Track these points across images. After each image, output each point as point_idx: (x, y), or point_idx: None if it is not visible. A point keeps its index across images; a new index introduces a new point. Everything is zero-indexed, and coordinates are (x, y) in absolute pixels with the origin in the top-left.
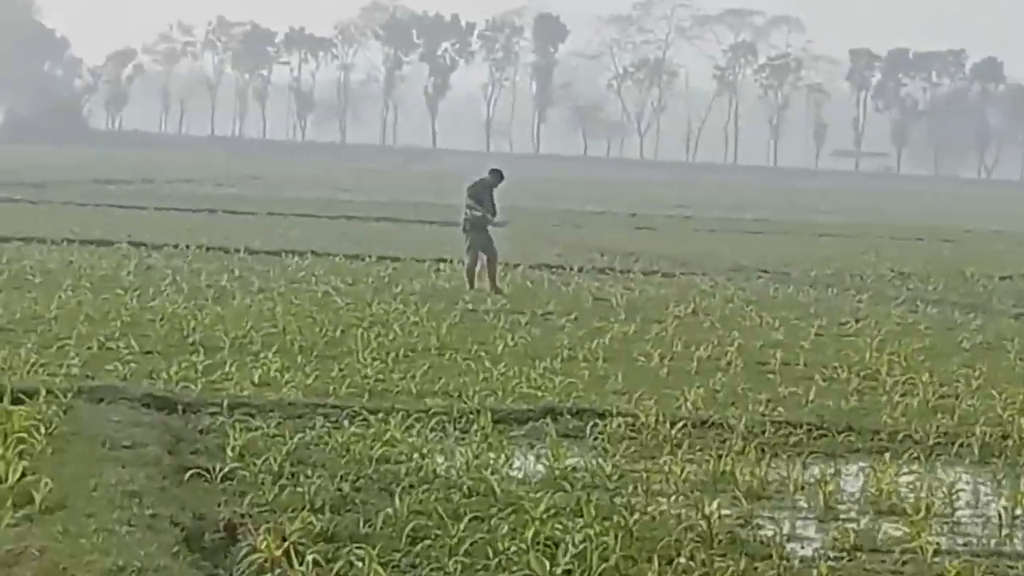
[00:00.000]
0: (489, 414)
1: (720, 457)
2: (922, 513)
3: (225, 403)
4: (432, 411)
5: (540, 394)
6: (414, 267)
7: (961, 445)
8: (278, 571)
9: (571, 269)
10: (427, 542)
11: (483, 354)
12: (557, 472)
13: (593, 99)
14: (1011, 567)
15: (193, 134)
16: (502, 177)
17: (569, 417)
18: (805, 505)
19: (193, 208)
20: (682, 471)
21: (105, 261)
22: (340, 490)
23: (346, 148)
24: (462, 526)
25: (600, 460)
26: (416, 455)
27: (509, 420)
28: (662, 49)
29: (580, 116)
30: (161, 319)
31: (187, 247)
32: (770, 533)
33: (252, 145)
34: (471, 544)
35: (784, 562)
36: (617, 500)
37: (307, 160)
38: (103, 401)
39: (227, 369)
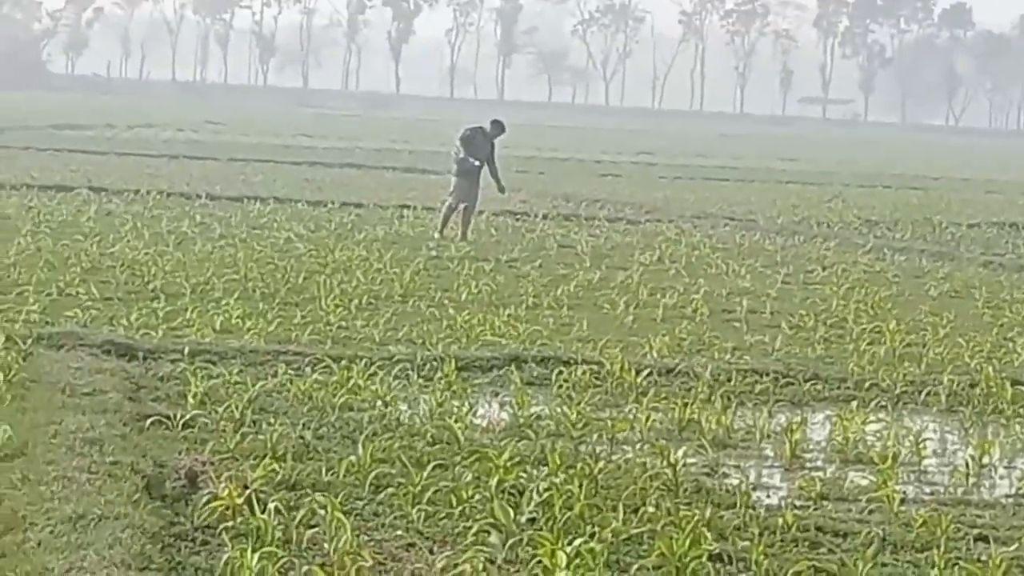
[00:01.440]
0: (453, 361)
1: (686, 405)
2: (888, 462)
3: (186, 350)
4: (395, 358)
5: (504, 341)
6: (377, 214)
7: (928, 393)
8: (239, 519)
9: (535, 216)
10: (390, 490)
11: (447, 301)
12: (522, 420)
13: (558, 45)
14: (978, 516)
15: (154, 79)
16: (503, 129)
17: (533, 365)
18: (771, 453)
19: (154, 154)
20: (647, 419)
21: (65, 207)
22: (302, 438)
23: (308, 93)
24: (425, 474)
25: (565, 408)
26: (379, 403)
27: (473, 368)
28: None
29: (545, 62)
30: (121, 265)
31: (148, 193)
32: (736, 482)
33: (214, 90)
34: (434, 492)
35: (750, 510)
36: (582, 448)
37: (269, 106)
38: (63, 348)
39: (188, 316)
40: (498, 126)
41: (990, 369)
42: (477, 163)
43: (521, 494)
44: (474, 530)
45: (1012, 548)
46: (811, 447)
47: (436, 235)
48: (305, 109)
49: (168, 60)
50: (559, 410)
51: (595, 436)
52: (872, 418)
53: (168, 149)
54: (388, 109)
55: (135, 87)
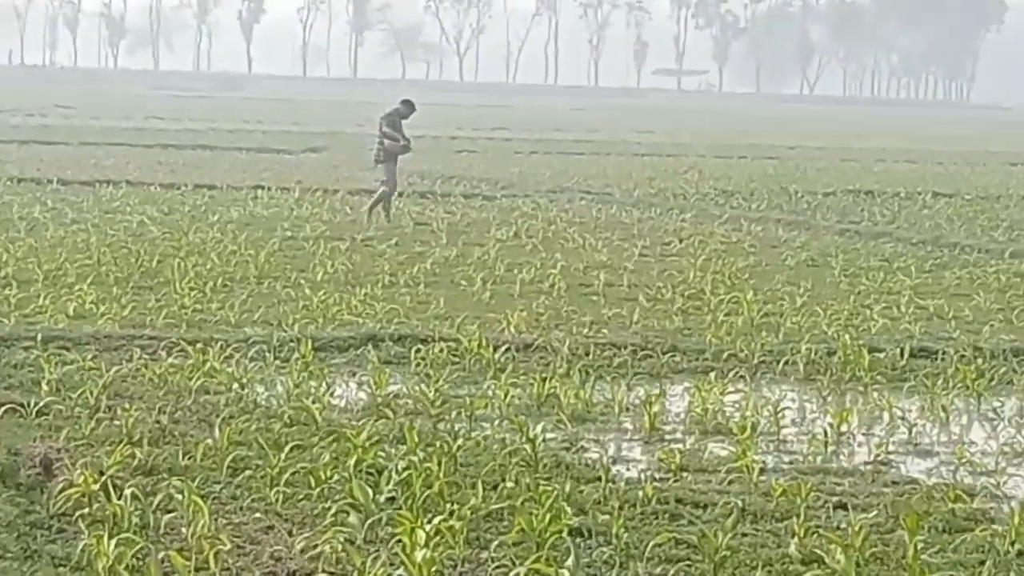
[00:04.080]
0: (309, 342)
1: (544, 380)
2: (748, 432)
3: (39, 336)
4: (251, 340)
5: (361, 321)
6: (231, 195)
7: (786, 363)
8: (96, 505)
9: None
10: (248, 472)
11: (303, 282)
12: (379, 399)
13: (411, 21)
14: (836, 483)
15: (1, 63)
16: (413, 108)
17: (391, 343)
18: (630, 427)
19: (3, 139)
20: (506, 395)
21: None
22: (158, 422)
23: (160, 76)
24: (283, 456)
25: (423, 386)
26: (236, 385)
27: (330, 348)
28: None
29: (398, 39)
30: None
31: None
32: (596, 456)
33: (63, 74)
34: (293, 474)
35: (610, 484)
36: (440, 426)
37: (120, 89)
38: None
39: (41, 302)
40: (409, 105)
41: (847, 337)
42: (402, 142)
43: (380, 473)
44: (333, 511)
45: (871, 515)
46: (670, 419)
47: (385, 223)
48: (157, 91)
49: (16, 44)
50: (417, 388)
51: (454, 413)
52: (731, 389)
53: (17, 134)
54: (241, 90)
55: None
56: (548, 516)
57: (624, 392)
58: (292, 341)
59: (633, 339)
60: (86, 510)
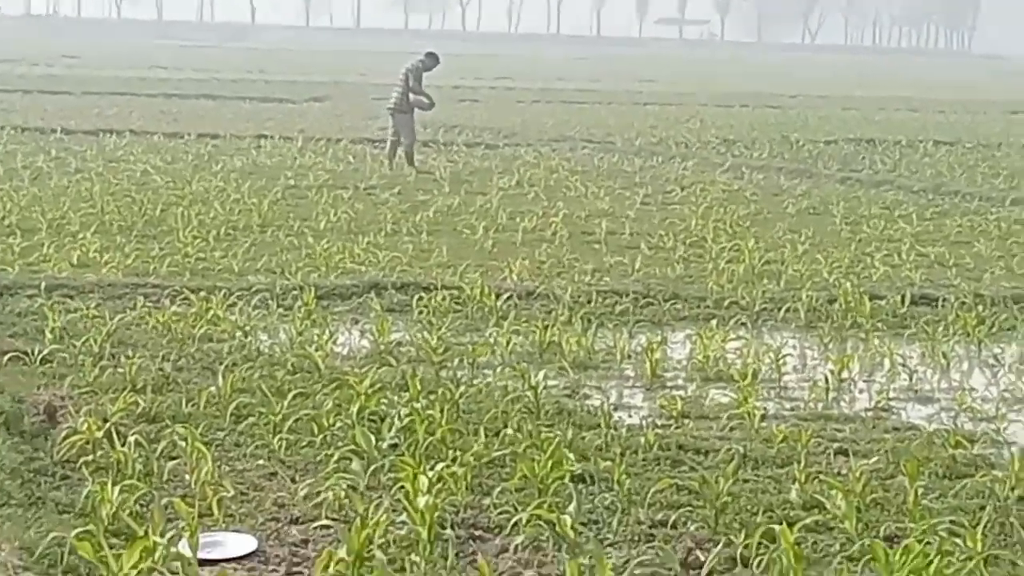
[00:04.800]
0: (312, 290)
1: (546, 328)
2: (749, 379)
3: (43, 285)
4: (255, 288)
5: (364, 269)
6: (234, 144)
7: (787, 310)
8: (99, 452)
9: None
10: (251, 420)
11: (306, 230)
12: (382, 347)
13: None
14: (837, 430)
15: (7, 14)
16: (437, 60)
17: (393, 291)
18: (632, 374)
19: (8, 88)
20: (508, 343)
21: None
22: (162, 370)
23: (164, 26)
24: (286, 403)
25: (425, 334)
26: (239, 333)
27: (333, 296)
28: None
29: None
30: None
31: (2, 128)
32: (597, 403)
33: (67, 24)
34: (296, 421)
35: (612, 431)
36: (443, 374)
37: (124, 39)
38: None
39: (44, 251)
40: (433, 57)
41: (848, 285)
42: (424, 99)
43: (383, 420)
44: (336, 457)
45: (871, 461)
46: (672, 366)
47: (412, 171)
48: (160, 41)
49: None
50: (420, 336)
51: (456, 361)
52: (732, 336)
53: (22, 84)
54: (244, 40)
55: None
56: (550, 463)
57: (626, 339)
58: (295, 289)
59: (635, 287)
60: (90, 457)
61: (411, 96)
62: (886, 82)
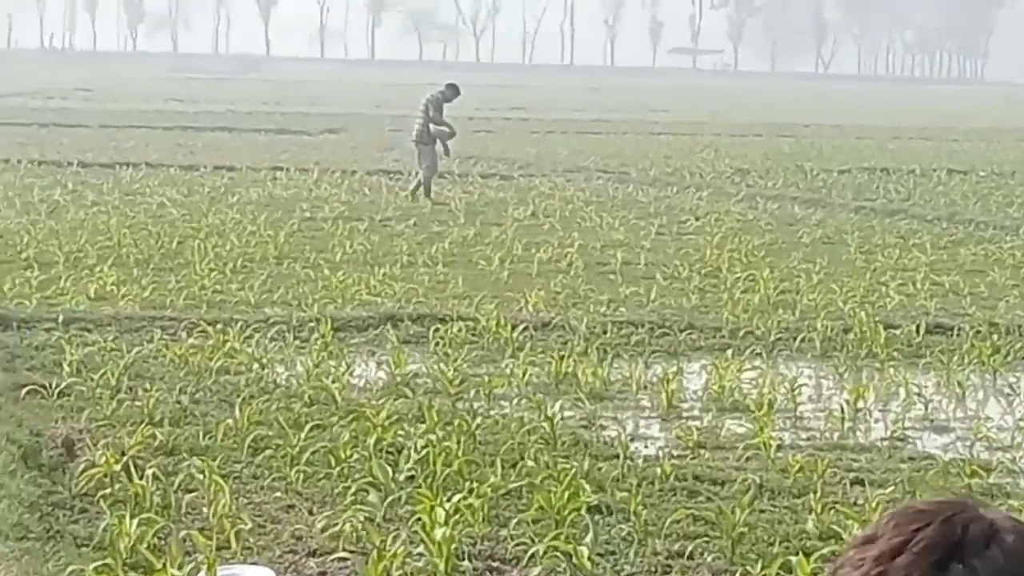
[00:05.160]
0: (329, 322)
1: (563, 359)
2: (764, 409)
3: (60, 318)
4: (271, 320)
5: (380, 300)
6: (250, 176)
7: (803, 340)
8: (117, 485)
9: (409, 174)
10: (268, 452)
11: (322, 262)
12: (398, 378)
13: (427, 2)
14: (853, 459)
15: (22, 47)
16: (458, 92)
17: (409, 323)
18: (648, 404)
19: (24, 122)
20: (524, 374)
21: None
22: (179, 402)
23: (179, 58)
24: (303, 435)
25: (442, 365)
26: (256, 365)
27: (349, 327)
28: None
29: (414, 20)
30: None
31: (19, 162)
32: (614, 433)
33: (83, 57)
34: (313, 453)
35: (628, 461)
36: (459, 405)
37: (140, 71)
38: None
39: (62, 284)
40: (453, 89)
41: (863, 314)
42: (444, 129)
43: (399, 452)
44: (353, 489)
45: (888, 490)
46: (688, 396)
47: (429, 201)
48: (176, 74)
49: (36, 27)
50: (436, 367)
51: (472, 392)
52: (748, 366)
53: (38, 117)
54: (259, 72)
55: (3, 56)
56: (567, 493)
57: (642, 370)
58: (311, 321)
59: (650, 317)
60: (108, 490)
61: (431, 127)
62: (899, 110)
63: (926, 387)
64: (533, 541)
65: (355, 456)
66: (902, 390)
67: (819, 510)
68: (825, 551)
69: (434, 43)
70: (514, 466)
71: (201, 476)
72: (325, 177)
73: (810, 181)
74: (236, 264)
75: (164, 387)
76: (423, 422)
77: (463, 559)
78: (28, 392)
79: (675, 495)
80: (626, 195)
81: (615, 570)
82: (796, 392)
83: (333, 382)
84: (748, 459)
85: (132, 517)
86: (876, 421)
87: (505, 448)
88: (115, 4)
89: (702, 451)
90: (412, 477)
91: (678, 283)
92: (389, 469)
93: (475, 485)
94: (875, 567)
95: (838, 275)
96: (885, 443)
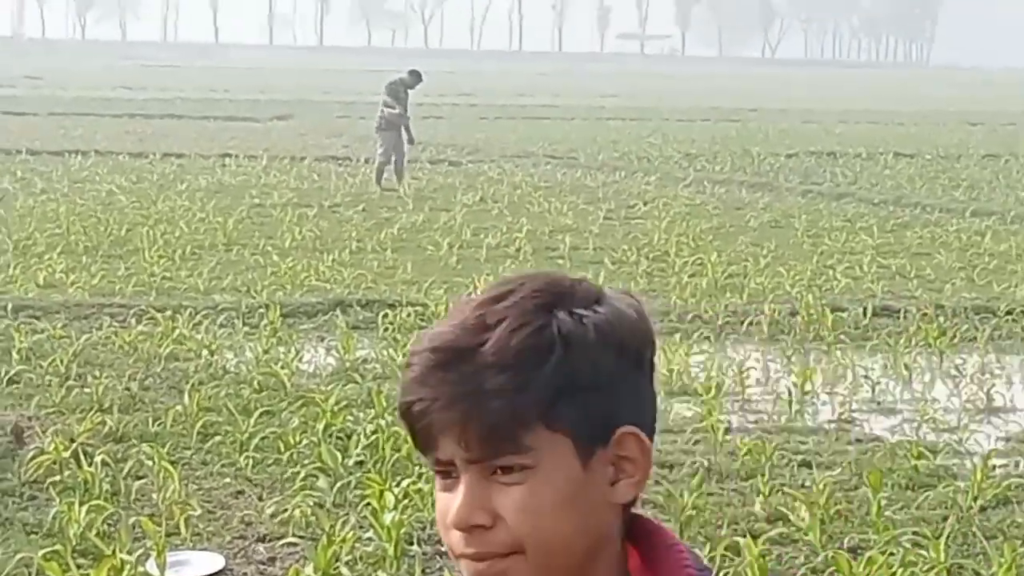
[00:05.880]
0: (278, 308)
1: None
2: (713, 392)
3: (9, 306)
4: (220, 307)
5: (329, 286)
6: (199, 163)
7: (751, 323)
8: (67, 472)
9: (358, 160)
10: (218, 438)
11: (271, 248)
12: (348, 364)
13: None
14: (801, 442)
15: None
16: (420, 78)
17: (359, 309)
18: None
19: None
20: None
21: None
22: (128, 389)
23: (128, 46)
24: (253, 421)
25: (391, 351)
26: (205, 352)
27: (298, 314)
28: None
29: (363, 7)
30: None
31: None
32: None
33: (31, 45)
34: (262, 439)
35: None
36: None
37: (88, 59)
38: None
39: (11, 272)
40: (416, 76)
41: (810, 297)
42: (396, 111)
43: (349, 437)
44: (302, 475)
45: (835, 473)
46: None
47: (377, 187)
48: (125, 62)
49: None
50: (385, 353)
51: None
52: (696, 349)
53: None
54: (208, 59)
55: None
56: None
57: None
58: (261, 307)
59: None
60: (57, 477)
61: (385, 111)
62: (846, 95)
63: (873, 369)
64: None
65: (304, 442)
66: (849, 372)
67: (767, 492)
68: (773, 533)
69: (383, 29)
70: None
71: (150, 463)
72: (274, 164)
73: (757, 165)
74: (185, 251)
75: (113, 374)
76: (372, 407)
77: (412, 544)
78: None
79: None
80: (574, 180)
81: None
82: (744, 375)
83: (282, 368)
84: (696, 442)
85: (81, 504)
86: (823, 404)
87: None
88: None
89: None
90: (361, 462)
91: (626, 267)
92: (338, 454)
93: (424, 470)
94: (475, 313)
95: (785, 258)
96: (832, 425)
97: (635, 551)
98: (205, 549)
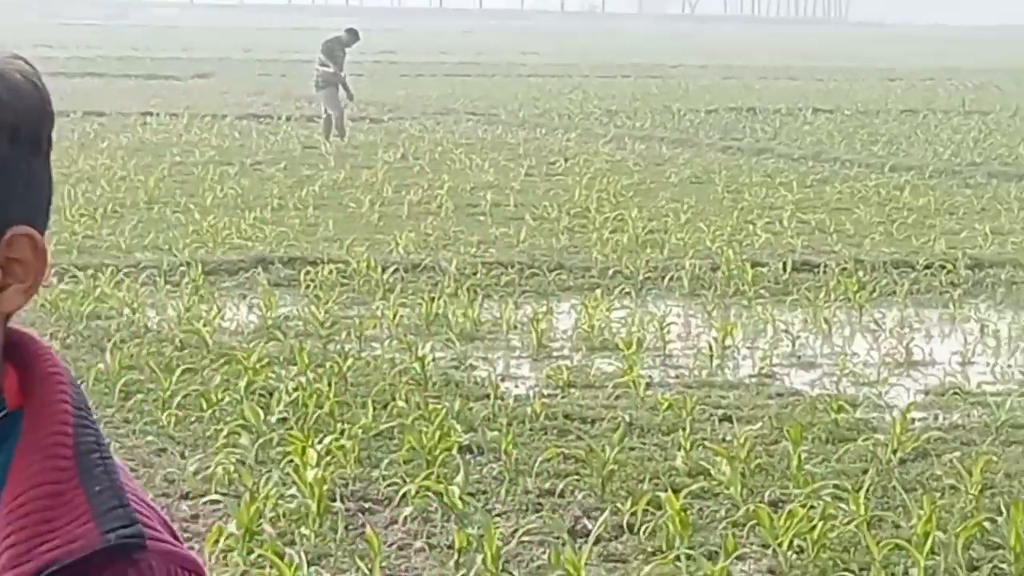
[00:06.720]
0: (199, 266)
1: (433, 300)
2: (634, 347)
3: None
4: (142, 265)
5: (251, 244)
6: (120, 121)
7: (671, 279)
8: None
9: (279, 118)
10: (140, 396)
11: (192, 206)
12: (270, 321)
13: None
14: (722, 396)
15: None
16: (357, 36)
17: (280, 266)
18: (518, 344)
19: None
20: (395, 315)
21: None
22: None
23: (49, 3)
24: (175, 379)
25: (313, 308)
26: (127, 310)
27: (220, 271)
28: None
29: None
30: None
31: None
32: (484, 373)
33: None
34: (184, 396)
35: (499, 401)
36: (330, 347)
37: (9, 17)
38: None
39: None
40: (353, 33)
41: (731, 252)
42: (331, 69)
43: (271, 395)
44: (225, 432)
45: (756, 427)
46: (557, 336)
47: (340, 141)
48: (46, 20)
49: None
50: (307, 310)
51: (344, 334)
52: (617, 305)
53: None
54: (128, 18)
55: None
56: (438, 434)
57: (512, 310)
58: (182, 265)
59: (520, 258)
60: None
61: (320, 69)
62: (765, 51)
63: (793, 324)
64: (405, 481)
65: (226, 399)
66: (769, 327)
67: (688, 447)
68: (694, 487)
69: None
70: (385, 407)
71: None
72: (195, 122)
73: (678, 121)
74: (106, 209)
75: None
76: (294, 364)
77: (335, 500)
78: None
79: (546, 434)
80: (496, 137)
81: (486, 509)
82: (665, 330)
83: (204, 326)
84: (618, 397)
85: None
86: (744, 358)
87: (376, 389)
88: None
89: (572, 390)
90: (284, 419)
91: (547, 224)
92: (260, 411)
93: (347, 426)
94: None
95: (706, 214)
96: (753, 380)
97: (14, 370)
98: None
